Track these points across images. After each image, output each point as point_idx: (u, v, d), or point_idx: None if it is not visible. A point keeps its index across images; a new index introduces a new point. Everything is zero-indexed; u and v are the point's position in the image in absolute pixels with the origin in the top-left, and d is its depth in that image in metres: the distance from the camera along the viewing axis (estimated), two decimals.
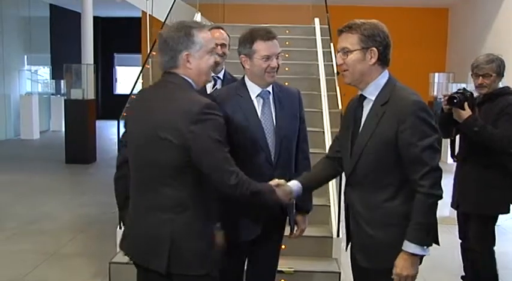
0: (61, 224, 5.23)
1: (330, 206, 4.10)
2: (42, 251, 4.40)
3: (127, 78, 16.70)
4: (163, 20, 6.21)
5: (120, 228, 3.96)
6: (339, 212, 3.86)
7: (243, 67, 2.35)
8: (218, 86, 2.91)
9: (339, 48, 1.99)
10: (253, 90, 2.34)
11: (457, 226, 3.46)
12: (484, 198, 3.09)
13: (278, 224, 2.47)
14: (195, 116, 1.78)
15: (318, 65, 6.15)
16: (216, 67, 2.79)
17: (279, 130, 2.33)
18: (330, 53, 5.71)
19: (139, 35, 11.99)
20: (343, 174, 2.17)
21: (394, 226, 1.94)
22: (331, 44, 5.66)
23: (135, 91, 4.71)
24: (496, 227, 3.26)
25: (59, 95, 12.84)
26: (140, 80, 5.19)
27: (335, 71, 5.11)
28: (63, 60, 10.41)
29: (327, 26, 6.21)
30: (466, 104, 3.00)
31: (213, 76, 2.81)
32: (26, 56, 12.69)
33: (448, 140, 3.38)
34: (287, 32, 7.08)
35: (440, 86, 10.50)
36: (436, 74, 10.65)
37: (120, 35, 15.60)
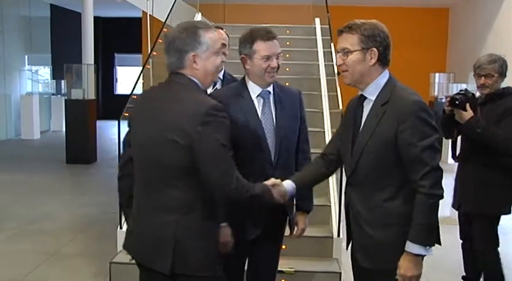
0: (61, 224, 5.23)
1: (330, 206, 4.10)
2: (42, 251, 4.40)
3: (127, 79, 16.71)
4: (163, 20, 6.21)
5: (121, 228, 3.96)
6: (339, 212, 3.86)
7: (244, 67, 2.35)
8: (218, 86, 2.90)
9: (339, 48, 1.99)
10: (254, 90, 2.34)
11: (457, 226, 3.46)
12: (485, 198, 3.08)
13: (278, 224, 2.47)
14: (201, 118, 1.77)
15: (318, 65, 6.15)
16: None
17: (279, 130, 2.33)
18: (331, 53, 5.71)
19: (140, 35, 12.00)
20: (344, 174, 2.17)
21: (394, 226, 1.94)
22: (332, 44, 5.66)
23: (136, 91, 4.71)
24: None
25: (59, 95, 12.84)
26: (141, 80, 5.19)
27: (335, 71, 5.10)
28: (63, 60, 10.41)
29: (328, 26, 6.21)
30: (467, 105, 2.99)
31: None
32: (26, 56, 12.70)
33: (449, 140, 3.38)
34: (288, 32, 7.08)
35: (441, 86, 10.50)
36: (437, 74, 10.65)
37: (120, 35, 15.60)
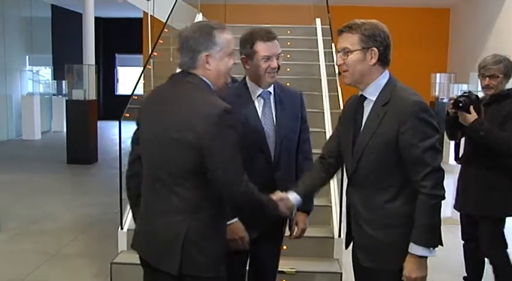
0: (62, 224, 5.24)
1: (331, 206, 4.10)
2: (43, 251, 4.41)
3: (128, 79, 16.73)
4: (164, 21, 6.20)
5: (122, 228, 3.97)
6: (340, 213, 3.86)
7: (244, 68, 2.34)
8: None
9: (339, 48, 1.98)
10: (254, 90, 2.34)
11: (459, 226, 3.45)
12: (489, 200, 3.07)
13: (278, 225, 2.47)
14: (214, 119, 1.75)
15: (319, 65, 6.14)
16: None
17: (280, 130, 2.33)
18: (331, 53, 5.70)
19: (141, 36, 12.01)
20: (345, 175, 2.17)
21: (394, 227, 1.94)
22: (333, 44, 5.65)
23: (137, 92, 4.72)
24: None
25: (60, 96, 12.84)
26: (142, 81, 5.19)
27: (336, 72, 5.10)
28: (64, 60, 10.42)
29: (328, 26, 6.20)
30: (471, 107, 2.96)
31: None
32: (27, 57, 12.71)
33: (451, 141, 3.37)
34: (288, 32, 7.07)
35: (442, 86, 10.50)
36: (438, 75, 10.65)
37: (121, 36, 15.62)
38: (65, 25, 13.29)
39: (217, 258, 1.89)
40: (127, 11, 12.18)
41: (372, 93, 1.99)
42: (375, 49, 1.93)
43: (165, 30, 5.92)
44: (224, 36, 1.91)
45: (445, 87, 10.35)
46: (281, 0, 10.62)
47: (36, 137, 11.58)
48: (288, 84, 4.98)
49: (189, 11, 7.87)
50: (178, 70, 2.00)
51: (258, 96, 2.35)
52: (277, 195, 2.10)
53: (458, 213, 3.43)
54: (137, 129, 2.06)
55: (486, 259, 3.37)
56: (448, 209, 5.24)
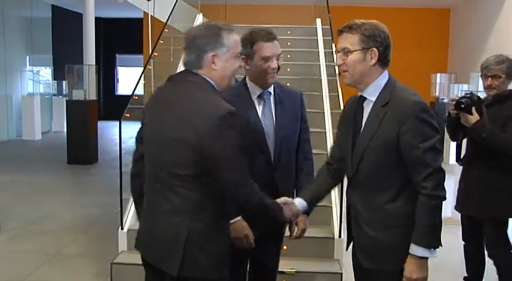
0: (63, 224, 5.24)
1: (331, 207, 4.09)
2: (43, 251, 4.40)
3: (129, 79, 16.73)
4: (164, 21, 6.20)
5: (122, 229, 3.96)
6: (340, 213, 3.86)
7: (244, 68, 2.34)
8: None
9: (339, 48, 1.98)
10: (254, 91, 2.34)
11: (459, 227, 3.45)
12: (491, 202, 3.06)
13: (276, 224, 2.46)
14: (216, 120, 1.74)
15: (319, 65, 6.14)
16: None
17: (279, 131, 2.33)
18: (332, 53, 5.70)
19: (141, 36, 12.01)
20: (346, 175, 2.16)
21: (394, 227, 1.94)
22: (333, 45, 5.65)
23: (137, 92, 4.71)
24: None
25: (60, 96, 12.86)
26: (142, 81, 5.19)
27: (337, 72, 5.10)
28: (65, 61, 10.43)
29: (329, 27, 6.20)
30: (473, 108, 2.95)
31: None
32: (28, 57, 12.71)
33: (451, 142, 3.36)
34: (289, 32, 7.07)
35: (442, 86, 10.50)
36: (438, 75, 10.65)
37: (121, 36, 15.63)
38: (65, 25, 13.30)
39: (220, 259, 1.88)
40: (127, 11, 12.18)
41: (371, 94, 1.98)
42: (375, 49, 1.93)
43: (166, 30, 5.92)
44: (232, 38, 1.90)
45: (446, 88, 10.35)
46: (281, 1, 10.62)
47: (36, 138, 11.58)
48: (288, 84, 4.98)
49: (190, 11, 7.87)
50: (181, 69, 1.98)
51: (257, 97, 2.35)
52: (282, 199, 2.09)
53: (459, 213, 3.43)
54: (141, 128, 2.05)
55: (487, 260, 3.37)
56: (448, 209, 5.24)
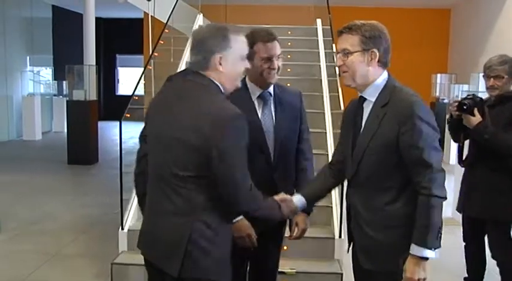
0: (63, 224, 5.24)
1: (332, 207, 4.09)
2: (43, 251, 4.41)
3: (129, 80, 16.74)
4: (165, 21, 6.21)
5: (123, 229, 3.96)
6: (341, 214, 3.86)
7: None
8: None
9: (339, 49, 1.98)
10: (254, 91, 2.34)
11: (459, 227, 3.45)
12: (493, 203, 3.05)
13: (278, 225, 2.47)
14: (221, 123, 1.73)
15: (320, 65, 6.14)
16: None
17: (279, 131, 2.34)
18: (332, 54, 5.71)
19: (141, 36, 12.01)
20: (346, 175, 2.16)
21: (394, 228, 1.94)
22: (333, 45, 5.65)
23: (137, 92, 4.72)
24: None
25: (61, 96, 12.87)
26: (142, 81, 5.19)
27: (337, 72, 5.11)
28: (65, 61, 10.44)
29: (329, 27, 6.21)
30: (476, 110, 2.95)
31: None
32: (28, 57, 12.72)
33: (451, 142, 3.35)
34: (289, 33, 7.08)
35: (442, 87, 10.50)
36: (438, 75, 10.66)
37: (122, 36, 15.65)
38: (66, 25, 13.31)
39: (222, 261, 1.87)
40: (128, 12, 12.19)
41: (371, 95, 1.98)
42: (375, 50, 1.93)
43: (166, 30, 5.92)
44: (239, 39, 1.89)
45: (446, 88, 10.35)
46: (282, 1, 10.63)
47: (36, 138, 11.59)
48: (288, 84, 4.98)
49: (190, 11, 7.87)
50: (181, 69, 1.97)
51: (257, 97, 2.35)
52: (280, 196, 2.10)
53: (459, 214, 3.42)
54: (144, 127, 2.04)
55: (487, 260, 3.37)
56: (449, 209, 5.24)
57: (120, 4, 8.67)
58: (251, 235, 2.20)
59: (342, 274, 3.57)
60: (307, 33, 7.21)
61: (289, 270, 3.53)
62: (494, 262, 3.24)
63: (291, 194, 2.25)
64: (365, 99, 2.01)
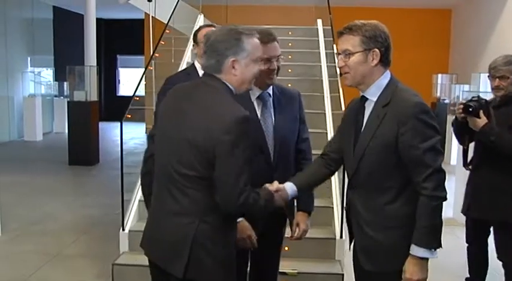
0: (64, 225, 5.24)
1: (332, 207, 4.09)
2: (44, 252, 4.41)
3: (130, 80, 16.74)
4: (166, 22, 6.21)
5: (123, 230, 3.96)
6: (342, 214, 3.86)
7: None
8: None
9: (340, 50, 1.97)
10: (253, 91, 2.34)
11: (460, 227, 3.44)
12: (499, 205, 3.03)
13: (278, 225, 2.47)
14: (230, 125, 1.73)
15: (320, 66, 6.15)
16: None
17: (279, 132, 2.34)
18: (333, 54, 5.70)
19: (142, 37, 12.02)
20: (346, 175, 2.16)
21: (394, 228, 1.94)
22: (334, 45, 5.65)
23: (138, 93, 4.72)
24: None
25: (62, 97, 12.87)
26: (143, 82, 5.19)
27: (338, 72, 5.11)
28: (66, 62, 10.45)
29: (330, 27, 6.21)
30: (481, 112, 2.93)
31: None
32: (29, 58, 12.73)
33: (453, 143, 3.35)
34: (290, 33, 7.08)
35: (443, 87, 10.49)
36: (439, 75, 10.65)
37: (123, 37, 15.66)
38: (67, 26, 13.32)
39: (226, 263, 1.87)
40: (128, 12, 12.20)
41: (373, 94, 1.98)
42: (377, 50, 1.93)
43: (167, 31, 5.93)
44: (252, 42, 1.88)
45: (447, 88, 10.34)
46: (282, 1, 10.63)
47: (37, 138, 11.60)
48: (289, 85, 4.98)
49: (191, 12, 7.87)
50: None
51: (257, 98, 2.35)
52: (273, 186, 2.09)
53: (460, 214, 3.41)
54: (154, 127, 2.04)
55: (489, 261, 3.36)
56: (449, 210, 5.24)
57: (121, 5, 8.66)
58: (251, 236, 2.20)
59: (343, 275, 3.57)
60: (308, 33, 7.21)
61: (291, 271, 3.53)
62: (496, 262, 3.23)
63: None
64: (367, 99, 2.01)
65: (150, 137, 2.07)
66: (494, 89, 3.08)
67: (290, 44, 6.57)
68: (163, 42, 5.65)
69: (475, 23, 10.66)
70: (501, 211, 3.04)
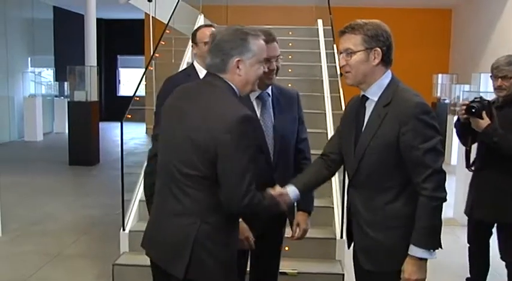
0: (64, 225, 5.24)
1: (333, 207, 4.09)
2: (45, 252, 4.41)
3: (130, 80, 16.74)
4: (166, 22, 6.21)
5: (124, 230, 3.96)
6: (342, 214, 3.85)
7: None
8: None
9: (342, 49, 1.96)
10: (253, 92, 2.34)
11: (460, 228, 3.44)
12: (502, 206, 3.03)
13: (277, 225, 2.47)
14: (232, 125, 1.72)
15: (321, 66, 6.14)
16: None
17: (278, 132, 2.34)
18: (333, 54, 5.70)
19: (143, 37, 12.03)
20: (346, 175, 2.16)
21: (394, 228, 1.94)
22: (334, 45, 5.65)
23: (139, 93, 4.72)
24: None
25: (62, 97, 12.87)
26: (143, 82, 5.19)
27: (338, 73, 5.10)
28: (66, 62, 10.44)
29: (330, 28, 6.20)
30: (484, 113, 2.92)
31: None
32: (29, 58, 12.73)
33: (453, 143, 3.34)
34: (290, 33, 7.08)
35: (444, 87, 10.49)
36: (439, 75, 10.65)
37: (123, 37, 15.66)
38: (67, 26, 13.32)
39: (227, 263, 1.86)
40: (129, 13, 12.20)
41: (374, 94, 1.98)
42: (378, 49, 1.92)
43: (167, 31, 5.93)
44: (258, 43, 1.88)
45: (447, 88, 10.33)
46: (283, 2, 10.63)
47: (38, 139, 11.59)
48: (289, 85, 4.98)
49: (191, 12, 7.87)
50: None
51: (256, 98, 2.35)
52: (276, 190, 2.09)
53: (460, 214, 3.41)
54: (158, 126, 2.03)
55: (490, 262, 3.36)
56: (450, 210, 5.24)
57: (121, 5, 8.67)
58: (249, 237, 2.20)
59: (343, 275, 3.56)
60: (308, 33, 7.21)
61: (291, 271, 3.53)
62: (497, 263, 3.23)
63: None
64: (368, 98, 2.00)
65: (155, 136, 2.07)
66: (497, 89, 3.07)
67: (290, 44, 6.57)
68: (163, 43, 5.65)
69: (475, 23, 10.66)
70: (504, 212, 3.04)
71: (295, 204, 2.43)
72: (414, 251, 1.86)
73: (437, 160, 1.86)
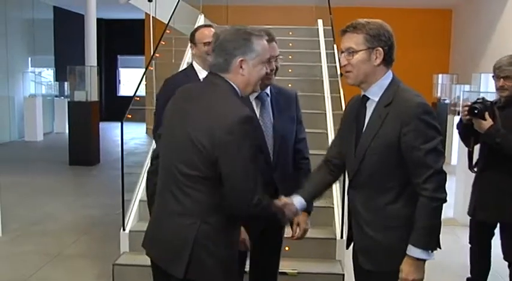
0: (64, 225, 5.24)
1: (333, 207, 4.09)
2: (45, 252, 4.41)
3: (130, 80, 16.74)
4: (166, 22, 6.22)
5: (124, 230, 3.96)
6: (342, 214, 3.85)
7: None
8: None
9: (343, 48, 1.95)
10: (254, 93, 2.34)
11: (460, 228, 3.44)
12: (506, 206, 3.02)
13: (278, 225, 2.46)
14: (233, 126, 1.72)
15: (321, 66, 6.14)
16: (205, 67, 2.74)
17: (277, 132, 2.35)
18: (333, 54, 5.70)
19: (143, 37, 12.02)
20: (347, 175, 2.16)
21: (394, 229, 1.93)
22: (335, 46, 5.65)
23: (139, 93, 4.72)
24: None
25: (62, 97, 12.87)
26: (144, 82, 5.19)
27: (338, 73, 5.10)
28: (66, 62, 10.45)
29: (330, 28, 6.20)
30: (486, 114, 2.92)
31: None
32: (29, 58, 12.73)
33: (454, 143, 3.34)
34: (290, 33, 7.08)
35: (444, 87, 10.49)
36: (440, 76, 10.65)
37: (123, 37, 15.66)
38: (67, 26, 13.33)
39: (227, 264, 1.86)
40: (129, 13, 12.20)
41: (375, 94, 1.97)
42: (380, 49, 1.91)
43: (167, 31, 5.93)
44: (261, 43, 1.88)
45: (447, 88, 10.34)
46: (283, 2, 10.62)
47: (38, 139, 11.59)
48: (290, 85, 4.98)
49: (191, 12, 7.88)
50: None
51: (255, 98, 2.35)
52: (282, 200, 2.08)
53: (460, 214, 3.41)
54: (161, 126, 2.03)
55: (491, 262, 3.36)
56: (450, 210, 5.24)
57: (122, 5, 8.67)
58: (245, 239, 2.20)
59: (343, 275, 3.56)
60: (309, 33, 7.21)
61: (291, 271, 3.53)
62: (498, 264, 3.22)
63: (290, 193, 2.25)
64: (368, 98, 1.99)
65: (158, 136, 2.07)
66: (499, 89, 3.06)
67: (290, 44, 6.57)
68: (163, 43, 5.65)
69: (475, 23, 10.66)
70: (507, 213, 3.03)
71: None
72: (412, 251, 1.86)
73: (438, 160, 1.85)
